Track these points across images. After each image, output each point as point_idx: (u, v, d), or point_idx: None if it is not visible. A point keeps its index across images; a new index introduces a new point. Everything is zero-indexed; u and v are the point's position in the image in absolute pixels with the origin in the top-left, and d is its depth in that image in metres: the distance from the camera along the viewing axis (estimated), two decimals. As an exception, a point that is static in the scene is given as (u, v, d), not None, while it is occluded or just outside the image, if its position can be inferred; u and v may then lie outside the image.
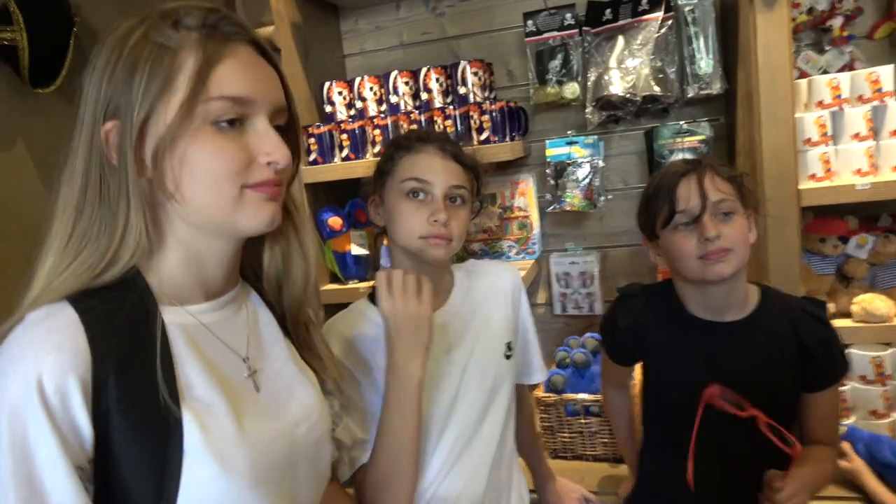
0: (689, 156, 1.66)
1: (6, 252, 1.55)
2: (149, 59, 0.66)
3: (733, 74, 1.59)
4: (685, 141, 1.66)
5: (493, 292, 1.20)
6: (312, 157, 1.68)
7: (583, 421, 1.57)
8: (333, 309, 1.23)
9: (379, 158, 1.15)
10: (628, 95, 1.57)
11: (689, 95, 1.62)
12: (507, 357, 1.16)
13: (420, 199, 1.07)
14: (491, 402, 1.12)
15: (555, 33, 1.67)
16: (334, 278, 1.79)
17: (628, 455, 1.37)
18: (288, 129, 0.75)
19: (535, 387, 1.53)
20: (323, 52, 1.88)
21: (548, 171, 1.76)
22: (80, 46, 1.69)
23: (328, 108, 1.74)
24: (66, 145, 0.71)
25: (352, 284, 1.73)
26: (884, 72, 1.43)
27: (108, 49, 0.68)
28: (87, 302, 0.65)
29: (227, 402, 0.69)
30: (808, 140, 1.44)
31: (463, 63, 1.62)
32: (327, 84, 1.74)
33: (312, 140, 1.67)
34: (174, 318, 0.70)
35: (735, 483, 1.09)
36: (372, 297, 1.15)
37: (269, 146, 0.70)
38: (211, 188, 0.68)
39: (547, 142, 1.76)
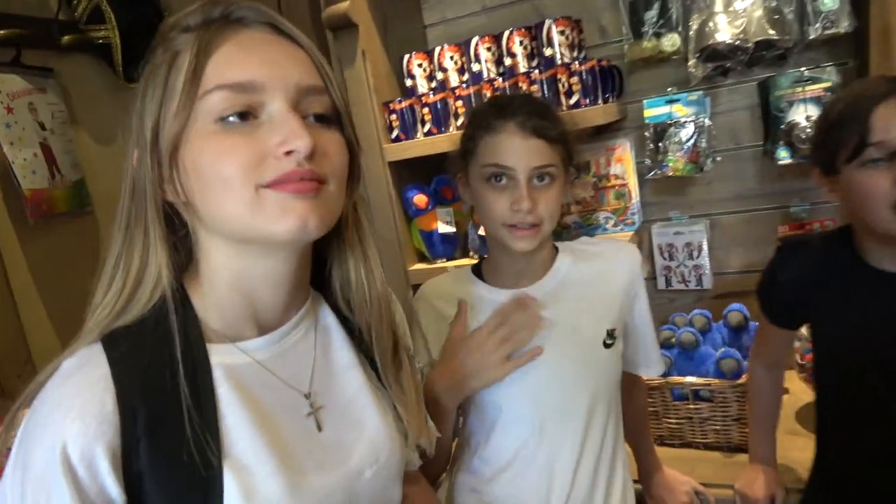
0: (812, 107, 1.46)
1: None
2: (153, 72, 0.61)
3: (864, 9, 1.38)
4: (807, 90, 1.46)
5: (603, 276, 1.10)
6: (395, 133, 1.63)
7: (692, 406, 1.44)
8: (420, 290, 1.19)
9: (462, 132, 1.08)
10: (738, 42, 1.40)
11: (811, 37, 1.43)
12: (607, 345, 1.06)
13: (502, 183, 0.99)
14: (580, 390, 1.03)
15: (650, -20, 1.51)
16: (422, 258, 1.74)
17: (761, 446, 1.23)
18: (335, 119, 0.65)
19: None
20: (402, 25, 1.81)
21: (647, 133, 1.61)
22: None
23: (409, 82, 1.68)
24: None
25: (440, 263, 1.68)
26: None
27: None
28: (120, 346, 0.60)
29: (276, 457, 0.62)
30: (964, 79, 1.22)
31: (548, 22, 1.50)
32: (406, 57, 1.67)
33: (394, 116, 1.62)
34: (222, 359, 0.63)
35: None
36: (477, 269, 1.13)
37: (282, 133, 0.58)
38: (222, 194, 0.59)
39: (644, 101, 1.61)
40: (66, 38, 1.59)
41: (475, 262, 1.21)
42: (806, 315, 1.10)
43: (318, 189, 0.61)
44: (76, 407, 0.56)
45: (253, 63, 0.59)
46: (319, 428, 0.68)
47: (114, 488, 0.56)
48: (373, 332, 0.74)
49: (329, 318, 0.75)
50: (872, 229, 0.95)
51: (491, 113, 1.01)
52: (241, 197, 0.58)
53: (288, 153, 0.58)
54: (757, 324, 1.24)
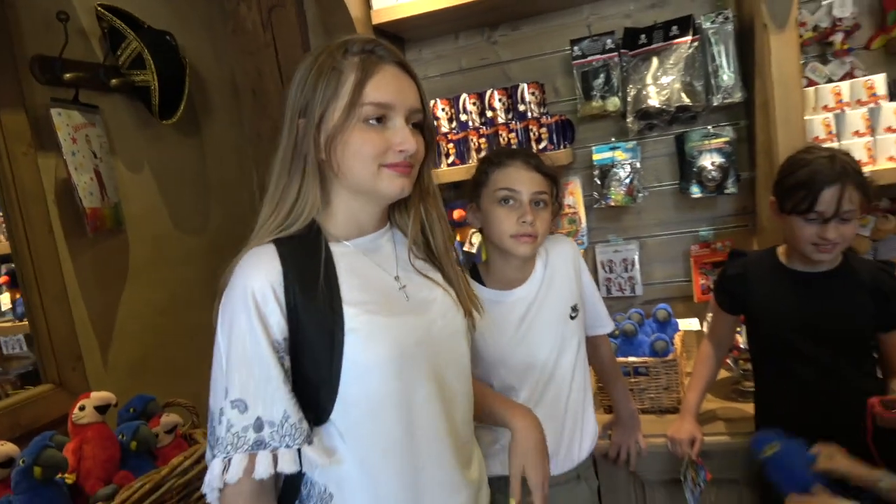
0: (716, 156, 1.92)
1: (142, 253, 1.89)
2: (326, 75, 0.95)
3: (751, 84, 1.82)
4: (712, 143, 1.93)
5: (561, 262, 1.45)
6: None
7: (633, 380, 1.81)
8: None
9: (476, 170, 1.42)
10: (664, 106, 1.86)
11: (715, 104, 1.86)
12: (572, 318, 1.44)
13: (510, 205, 1.34)
14: (560, 355, 1.41)
15: (598, 56, 1.94)
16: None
17: (693, 403, 1.62)
18: (422, 126, 1.00)
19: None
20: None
21: (595, 172, 2.05)
22: (192, 85, 2.02)
23: (405, 127, 2.05)
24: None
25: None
26: (877, 79, 1.71)
27: (304, 67, 0.98)
28: (284, 243, 0.95)
29: (379, 301, 0.97)
30: (817, 138, 1.69)
31: (522, 85, 1.92)
32: (404, 106, 2.04)
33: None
34: (340, 250, 0.99)
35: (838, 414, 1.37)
36: (474, 275, 1.45)
37: (400, 138, 0.95)
38: (360, 165, 0.95)
39: (593, 148, 2.05)
40: (115, 80, 1.85)
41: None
42: (745, 300, 1.52)
43: (410, 171, 0.98)
44: (256, 266, 0.93)
45: (391, 91, 0.95)
46: (407, 298, 1.02)
47: (279, 313, 0.91)
48: (437, 255, 1.10)
49: (400, 237, 1.09)
50: (794, 249, 1.41)
51: (503, 154, 1.39)
52: (370, 169, 0.95)
53: (401, 150, 0.95)
54: (710, 314, 1.69)
